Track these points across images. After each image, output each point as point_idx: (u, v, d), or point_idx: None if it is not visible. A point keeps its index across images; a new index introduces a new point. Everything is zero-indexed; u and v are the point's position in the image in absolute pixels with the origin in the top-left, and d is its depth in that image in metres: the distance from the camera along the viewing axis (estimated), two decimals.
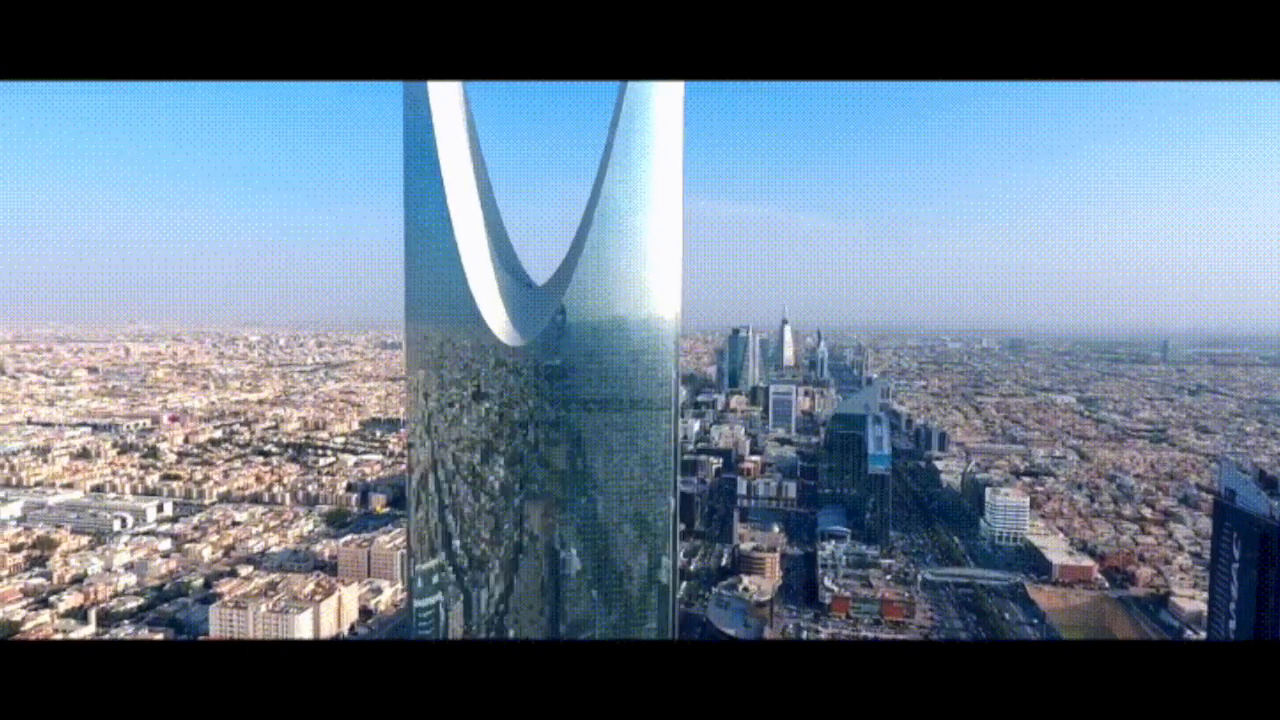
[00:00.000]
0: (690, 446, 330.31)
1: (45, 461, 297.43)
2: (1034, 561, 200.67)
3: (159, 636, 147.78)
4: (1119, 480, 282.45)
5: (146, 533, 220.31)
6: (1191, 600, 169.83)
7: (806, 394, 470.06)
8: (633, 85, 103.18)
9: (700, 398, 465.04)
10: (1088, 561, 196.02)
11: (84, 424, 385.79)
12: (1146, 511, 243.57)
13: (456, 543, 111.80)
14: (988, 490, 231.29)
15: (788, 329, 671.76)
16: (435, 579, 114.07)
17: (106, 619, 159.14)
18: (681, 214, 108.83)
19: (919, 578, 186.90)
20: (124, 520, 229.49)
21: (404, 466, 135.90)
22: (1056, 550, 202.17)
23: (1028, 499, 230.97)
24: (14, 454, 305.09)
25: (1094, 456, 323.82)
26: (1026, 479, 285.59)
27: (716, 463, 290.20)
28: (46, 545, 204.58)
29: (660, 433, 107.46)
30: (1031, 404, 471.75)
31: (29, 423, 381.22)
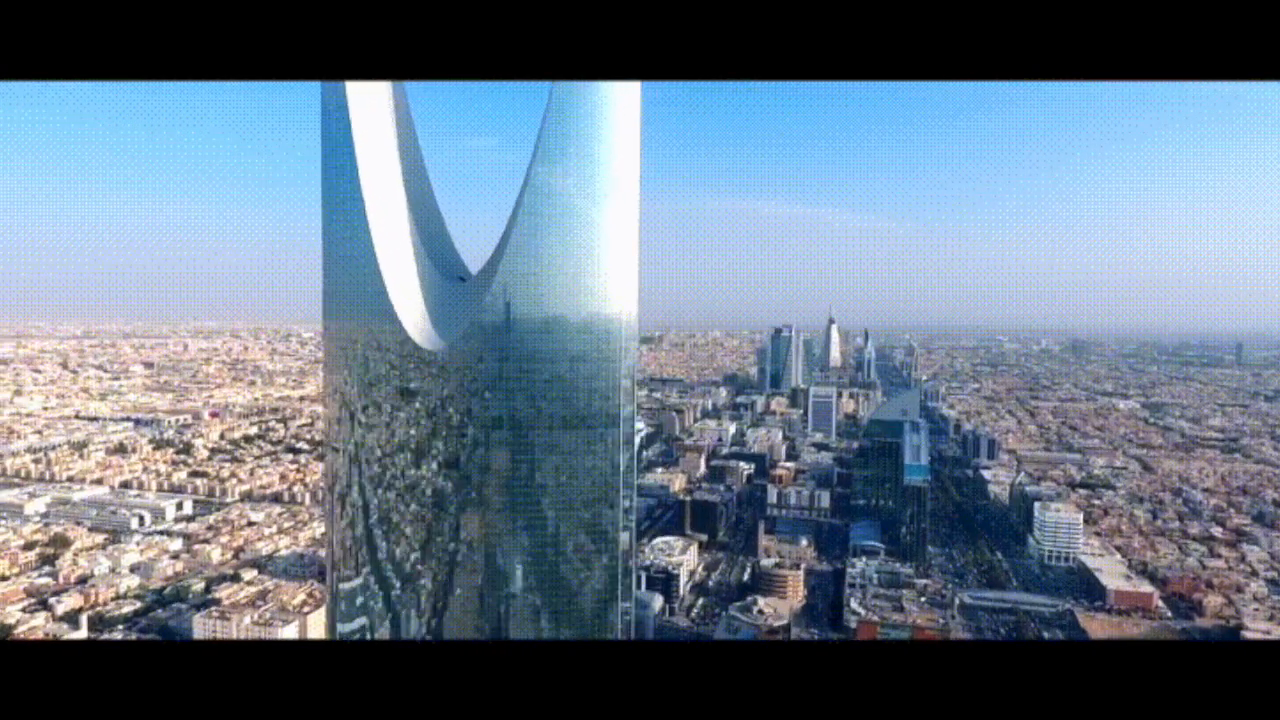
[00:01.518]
0: (724, 450, 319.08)
1: (81, 457, 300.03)
2: (1087, 586, 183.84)
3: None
4: (1185, 494, 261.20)
5: (161, 531, 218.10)
6: (1267, 635, 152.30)
7: (851, 396, 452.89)
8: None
9: (740, 399, 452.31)
10: (1147, 587, 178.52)
11: (127, 419, 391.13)
12: (1216, 531, 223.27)
13: (383, 556, 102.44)
14: (1037, 505, 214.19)
15: (834, 329, 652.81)
16: (360, 600, 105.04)
17: (100, 624, 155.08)
18: (637, 208, 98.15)
19: (956, 601, 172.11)
20: (141, 518, 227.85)
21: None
22: (1112, 573, 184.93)
23: (1081, 515, 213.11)
24: (53, 449, 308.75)
25: (1158, 468, 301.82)
26: (1082, 491, 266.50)
27: (748, 469, 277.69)
28: (60, 543, 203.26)
29: (602, 454, 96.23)
30: (1091, 409, 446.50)
31: (76, 417, 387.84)
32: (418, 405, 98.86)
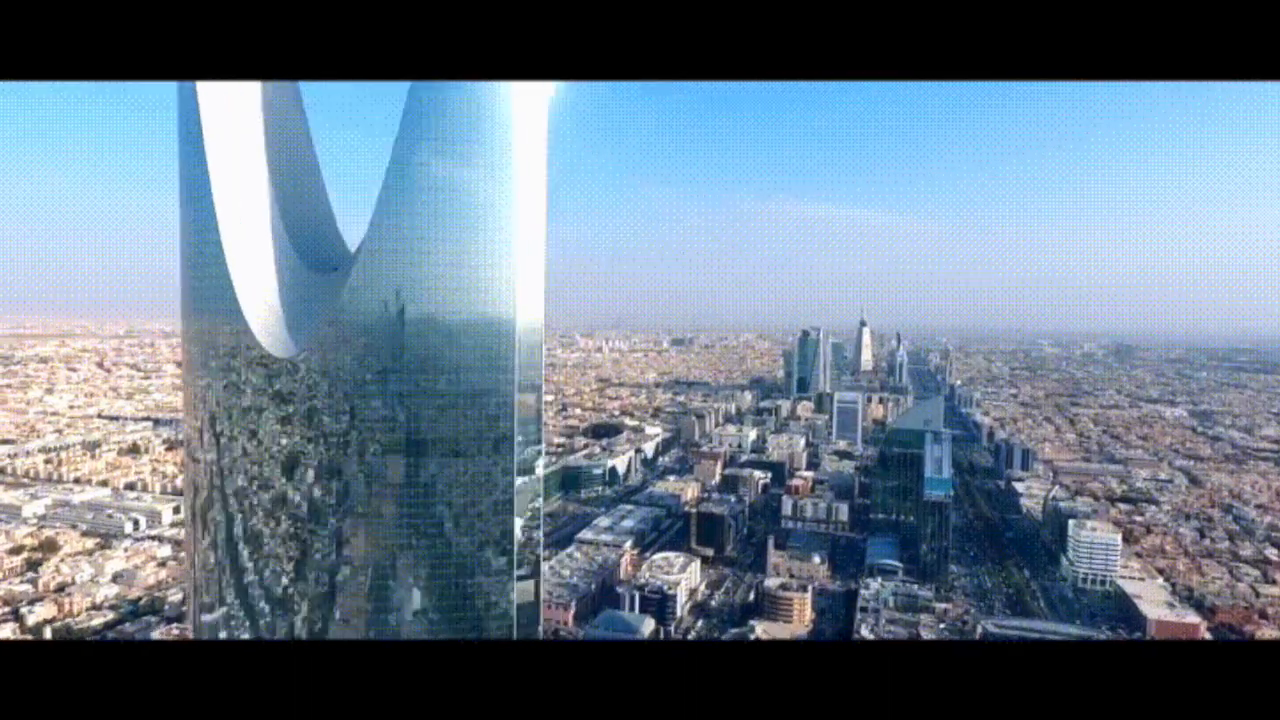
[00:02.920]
0: (743, 457, 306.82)
1: (92, 457, 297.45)
2: (1125, 613, 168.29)
3: None
4: (1236, 511, 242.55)
5: (153, 537, 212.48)
6: None
7: (880, 401, 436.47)
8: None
9: (765, 404, 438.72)
10: (1193, 616, 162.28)
11: (147, 419, 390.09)
12: (1271, 553, 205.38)
13: (251, 579, 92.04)
14: (1071, 522, 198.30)
15: (866, 331, 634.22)
16: (223, 634, 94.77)
17: (66, 636, 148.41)
18: (544, 197, 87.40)
19: (979, 629, 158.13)
20: (136, 522, 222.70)
21: None
22: (1154, 600, 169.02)
23: (1120, 534, 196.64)
24: (66, 448, 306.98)
25: (1207, 481, 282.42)
26: (1123, 506, 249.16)
27: (764, 478, 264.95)
28: (49, 548, 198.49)
29: (488, 489, 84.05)
30: (1135, 417, 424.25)
31: (99, 416, 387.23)
32: (298, 405, 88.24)
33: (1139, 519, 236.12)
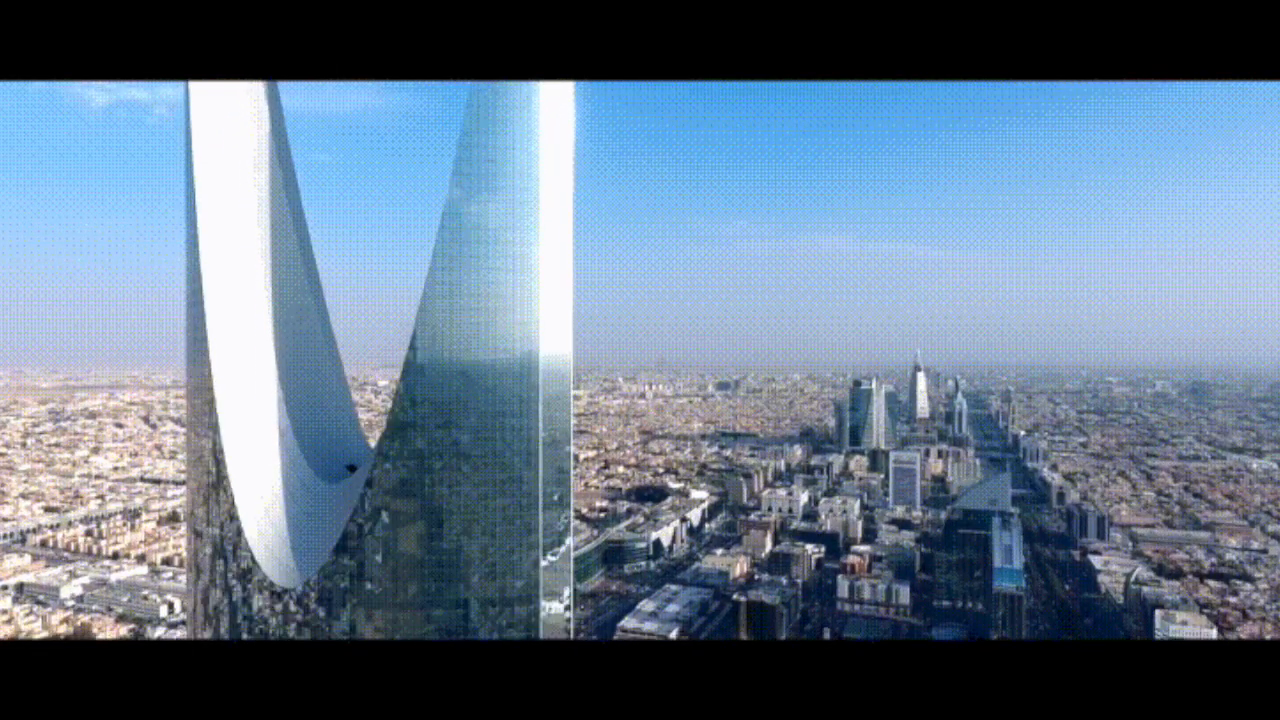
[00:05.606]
0: (794, 523, 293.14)
1: (132, 529, 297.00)
2: None
3: None
4: None
5: (182, 622, 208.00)
6: None
7: (939, 455, 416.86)
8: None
9: (816, 459, 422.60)
10: None
11: (185, 483, 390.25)
12: None
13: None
14: (1158, 614, 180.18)
15: (921, 376, 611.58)
16: None
17: None
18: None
19: None
20: (171, 605, 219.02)
21: None
22: None
23: (1215, 630, 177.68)
24: (107, 518, 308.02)
25: None
26: (1213, 584, 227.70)
27: (817, 552, 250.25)
28: (84, 635, 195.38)
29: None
30: (1219, 470, 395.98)
31: (141, 479, 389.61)
32: None
33: (1233, 600, 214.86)
